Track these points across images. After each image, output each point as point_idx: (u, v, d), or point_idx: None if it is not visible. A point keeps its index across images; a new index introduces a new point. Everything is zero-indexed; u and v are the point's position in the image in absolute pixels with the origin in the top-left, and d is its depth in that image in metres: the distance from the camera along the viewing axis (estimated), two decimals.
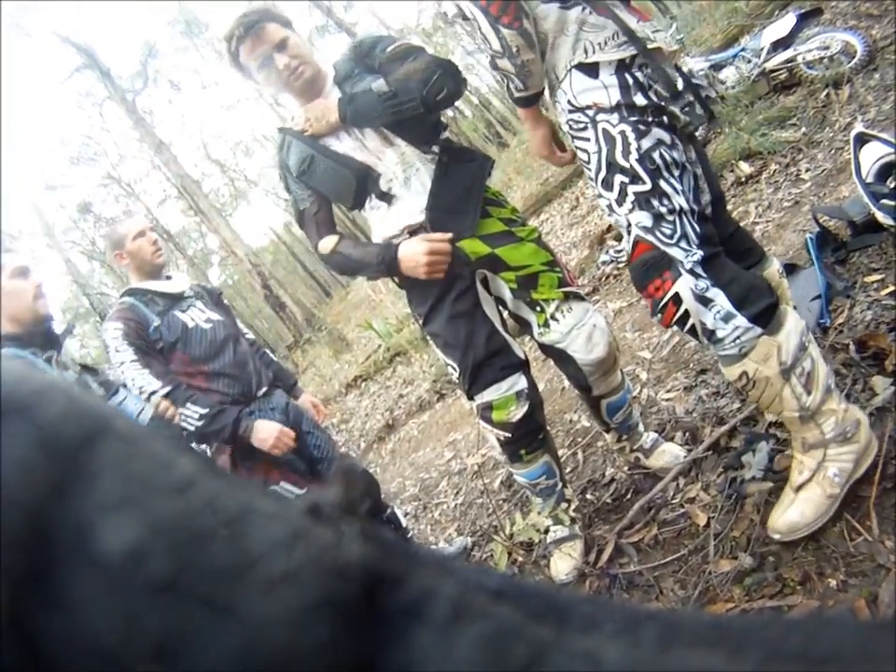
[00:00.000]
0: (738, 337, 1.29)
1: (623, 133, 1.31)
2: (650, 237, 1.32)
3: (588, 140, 1.37)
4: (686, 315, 1.32)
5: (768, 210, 3.21)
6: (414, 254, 1.60)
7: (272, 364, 2.35)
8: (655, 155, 1.30)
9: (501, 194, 1.78)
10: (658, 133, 1.32)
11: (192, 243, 29.59)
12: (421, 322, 1.76)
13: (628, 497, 1.97)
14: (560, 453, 2.45)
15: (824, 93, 3.84)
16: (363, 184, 1.64)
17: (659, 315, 1.36)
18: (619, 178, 1.33)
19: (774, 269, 1.61)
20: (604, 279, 4.16)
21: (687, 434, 2.02)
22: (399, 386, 5.93)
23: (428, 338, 1.79)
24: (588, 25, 1.32)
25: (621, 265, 4.09)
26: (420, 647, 0.16)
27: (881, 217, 1.94)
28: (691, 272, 1.30)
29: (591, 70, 1.32)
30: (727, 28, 6.11)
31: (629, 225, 1.35)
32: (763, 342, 1.28)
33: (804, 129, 3.67)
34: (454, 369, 1.71)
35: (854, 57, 3.78)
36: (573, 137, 1.42)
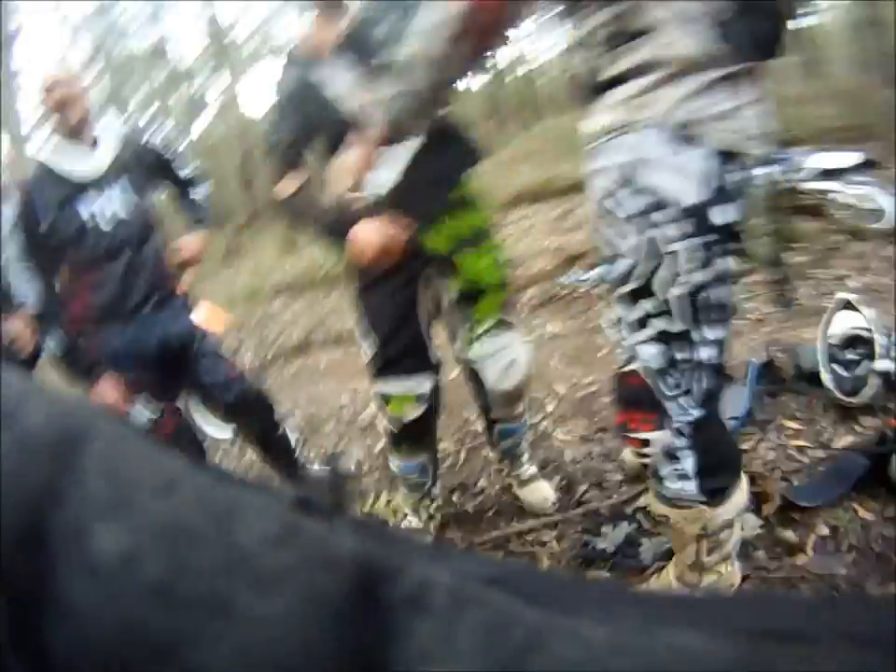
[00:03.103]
0: (681, 497, 1.18)
1: (675, 255, 1.00)
2: (650, 380, 1.10)
3: (623, 238, 1.04)
4: (644, 455, 1.20)
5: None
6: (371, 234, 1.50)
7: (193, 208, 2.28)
8: (703, 295, 1.02)
9: (481, 196, 1.72)
10: (721, 265, 1.02)
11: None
12: (357, 290, 1.71)
13: (490, 513, 2.00)
14: (444, 445, 2.44)
15: (837, 238, 3.90)
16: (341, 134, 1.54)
17: (618, 433, 1.22)
18: (645, 305, 1.05)
19: None
20: (554, 299, 4.10)
21: (564, 482, 2.05)
22: (326, 312, 5.73)
23: (357, 305, 1.74)
24: None
25: (577, 293, 4.02)
26: (423, 638, 0.16)
27: (826, 379, 1.99)
28: (676, 431, 1.13)
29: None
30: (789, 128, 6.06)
31: (633, 355, 1.12)
32: (700, 510, 1.19)
33: (805, 258, 3.71)
34: (368, 349, 1.69)
35: (879, 221, 3.85)
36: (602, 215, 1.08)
